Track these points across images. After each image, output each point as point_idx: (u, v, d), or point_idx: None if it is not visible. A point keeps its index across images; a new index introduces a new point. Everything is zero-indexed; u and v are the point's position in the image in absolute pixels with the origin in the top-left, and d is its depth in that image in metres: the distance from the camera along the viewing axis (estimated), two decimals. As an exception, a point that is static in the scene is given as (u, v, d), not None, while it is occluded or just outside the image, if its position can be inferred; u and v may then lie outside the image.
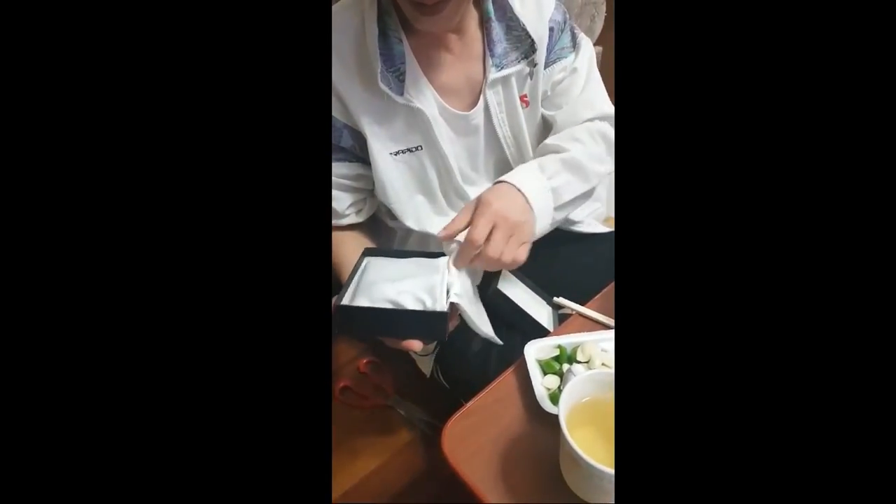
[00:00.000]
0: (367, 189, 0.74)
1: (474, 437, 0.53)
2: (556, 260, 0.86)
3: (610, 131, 0.73)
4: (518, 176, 0.64)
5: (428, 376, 0.79)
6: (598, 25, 1.70)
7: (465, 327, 0.75)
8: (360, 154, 0.69)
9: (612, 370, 0.51)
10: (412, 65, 0.65)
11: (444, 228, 0.61)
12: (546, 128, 0.77)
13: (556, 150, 0.69)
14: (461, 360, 0.73)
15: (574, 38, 0.74)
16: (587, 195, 0.72)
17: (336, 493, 0.76)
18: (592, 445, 0.44)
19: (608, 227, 0.89)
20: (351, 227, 0.75)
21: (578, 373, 0.50)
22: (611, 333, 0.60)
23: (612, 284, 0.68)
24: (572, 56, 0.74)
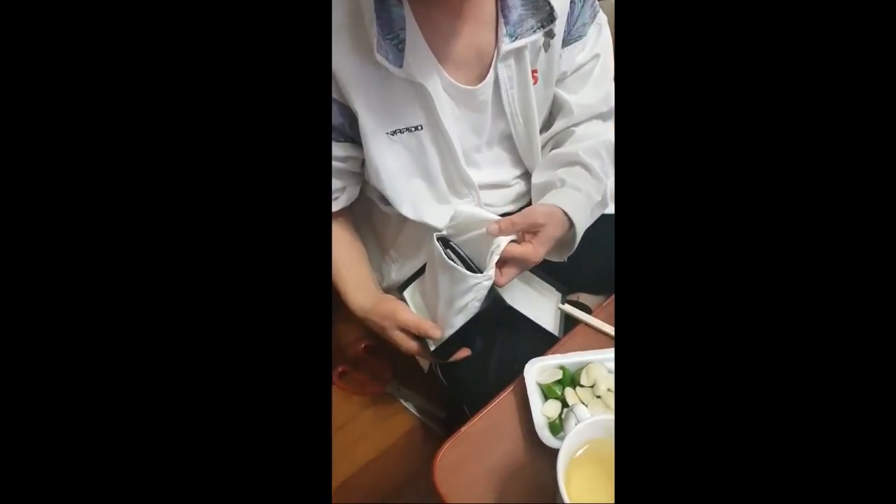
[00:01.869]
0: (356, 173, 0.67)
1: (468, 467, 0.50)
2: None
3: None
4: (572, 210, 0.62)
5: (426, 371, 0.77)
6: None
7: (467, 325, 0.71)
8: (351, 133, 0.61)
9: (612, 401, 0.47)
10: (413, 31, 0.56)
11: (499, 225, 0.58)
12: (556, 108, 0.68)
13: (587, 168, 0.65)
14: (460, 360, 0.70)
15: (594, 13, 0.64)
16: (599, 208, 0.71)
17: (336, 481, 0.75)
18: (592, 487, 0.41)
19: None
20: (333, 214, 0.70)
21: (580, 415, 0.46)
22: (619, 350, 0.56)
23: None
24: (593, 35, 0.65)
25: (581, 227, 0.63)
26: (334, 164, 0.64)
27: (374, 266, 0.82)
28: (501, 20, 0.58)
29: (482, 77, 0.61)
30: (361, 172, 0.67)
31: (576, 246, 0.64)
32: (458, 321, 0.60)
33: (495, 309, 0.68)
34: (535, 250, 0.59)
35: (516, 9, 0.58)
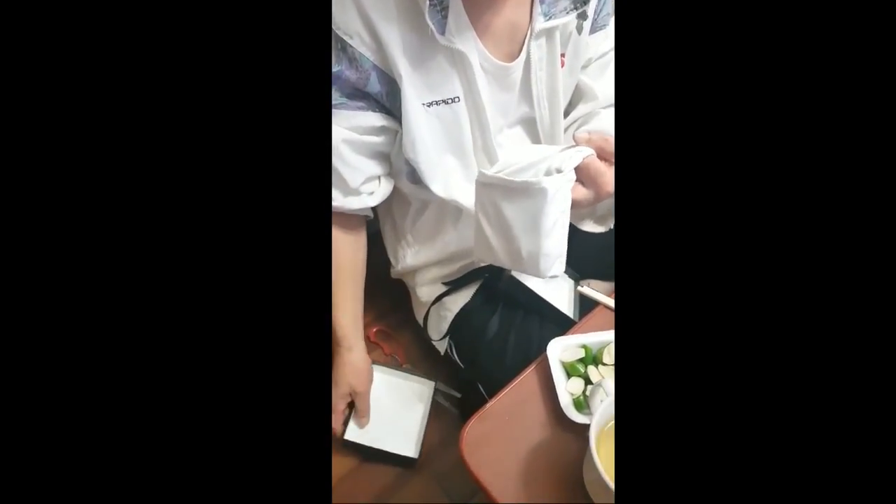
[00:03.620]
0: (386, 152, 0.66)
1: (493, 441, 0.52)
2: (577, 231, 0.82)
3: None
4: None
5: (442, 354, 0.78)
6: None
7: (484, 308, 0.72)
8: (387, 103, 0.60)
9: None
10: (455, 1, 0.55)
11: (590, 135, 0.53)
12: (577, 95, 0.69)
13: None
14: (477, 343, 0.71)
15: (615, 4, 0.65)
16: None
17: (346, 467, 0.76)
18: None
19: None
20: (355, 220, 0.69)
21: (609, 388, 0.47)
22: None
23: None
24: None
25: None
26: (369, 139, 0.62)
27: (389, 250, 0.83)
28: None
29: (514, 56, 0.61)
30: (390, 156, 0.66)
31: None
32: (552, 245, 0.52)
33: (513, 291, 0.69)
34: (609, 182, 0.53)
35: None
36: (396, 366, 0.84)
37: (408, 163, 0.63)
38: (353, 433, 0.73)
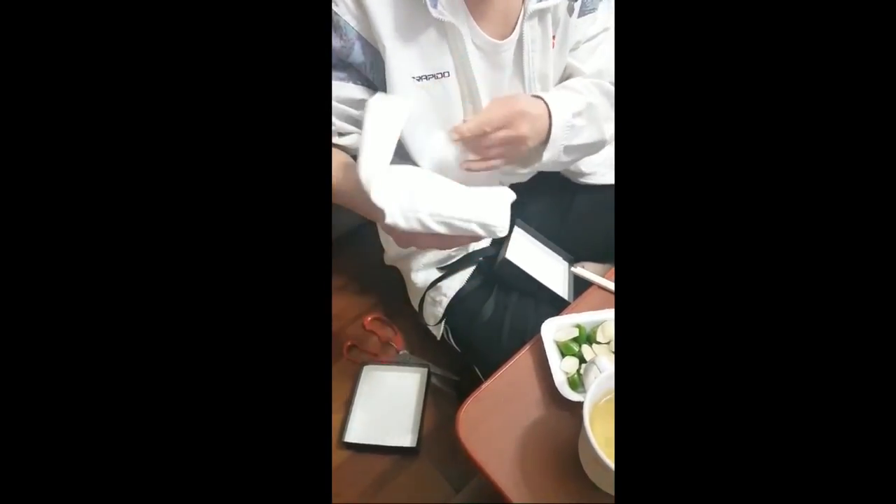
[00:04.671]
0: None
1: (489, 422, 0.52)
2: (570, 214, 0.82)
3: None
4: (553, 101, 0.61)
5: (438, 339, 0.78)
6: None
7: (479, 292, 0.72)
8: (370, 75, 0.60)
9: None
10: None
11: (462, 126, 0.58)
12: (566, 76, 0.69)
13: (580, 93, 0.65)
14: (473, 326, 0.71)
15: None
16: (594, 148, 0.69)
17: (344, 455, 0.76)
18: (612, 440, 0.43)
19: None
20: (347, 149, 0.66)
21: (602, 365, 0.47)
22: (631, 309, 0.58)
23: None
24: (604, 10, 0.67)
25: (558, 123, 0.61)
26: (342, 107, 0.61)
27: (381, 236, 0.83)
28: None
29: (506, 35, 0.62)
30: None
31: (556, 150, 0.62)
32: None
33: (508, 274, 0.69)
34: (490, 117, 0.58)
35: None
36: (390, 359, 0.84)
37: None
38: (351, 434, 0.74)
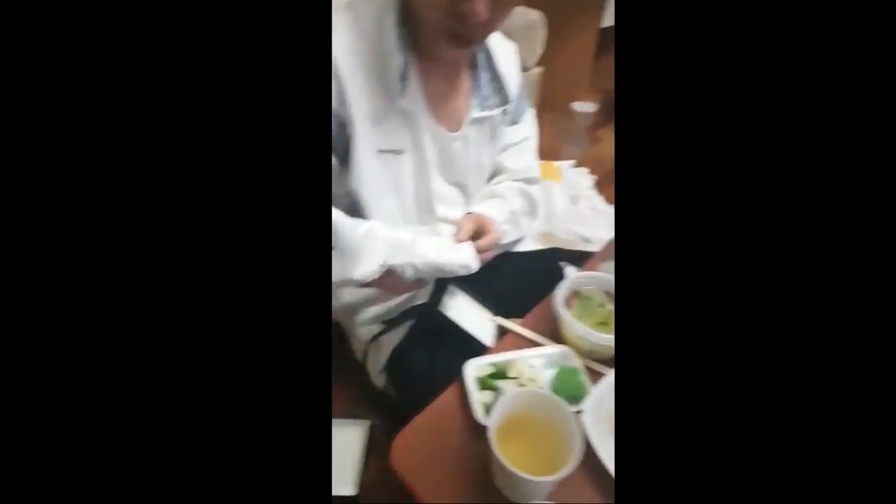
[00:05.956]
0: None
1: (419, 450, 0.60)
2: (499, 275, 0.95)
3: (537, 193, 0.94)
4: (489, 213, 0.82)
5: (381, 387, 0.86)
6: (538, 49, 1.82)
7: (415, 343, 0.82)
8: (336, 145, 0.71)
9: (533, 387, 0.59)
10: (415, 75, 0.71)
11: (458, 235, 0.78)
12: (496, 171, 0.91)
13: (505, 198, 0.87)
14: (409, 372, 0.80)
15: (526, 107, 0.89)
16: (514, 244, 0.95)
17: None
18: (520, 454, 0.51)
19: (543, 244, 0.99)
20: None
21: (508, 393, 0.57)
22: (539, 350, 0.69)
23: (545, 301, 0.76)
24: (527, 122, 0.90)
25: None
26: None
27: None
28: (475, 93, 0.79)
29: (455, 130, 0.79)
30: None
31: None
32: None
33: (438, 323, 0.80)
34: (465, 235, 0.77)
35: (486, 87, 0.79)
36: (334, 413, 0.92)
37: (349, 195, 0.74)
38: None
